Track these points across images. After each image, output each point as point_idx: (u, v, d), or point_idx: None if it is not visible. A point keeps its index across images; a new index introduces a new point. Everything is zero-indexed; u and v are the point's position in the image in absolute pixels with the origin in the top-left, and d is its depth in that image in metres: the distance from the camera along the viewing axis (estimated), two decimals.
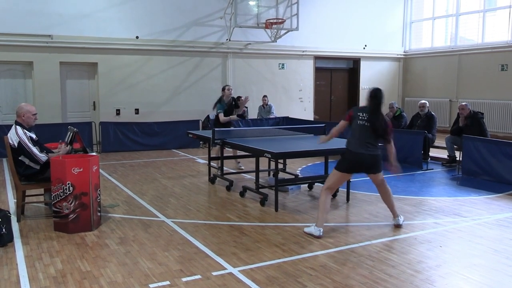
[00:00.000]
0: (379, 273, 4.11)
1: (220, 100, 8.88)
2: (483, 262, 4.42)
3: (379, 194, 5.54)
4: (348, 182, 6.63)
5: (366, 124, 5.15)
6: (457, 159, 9.04)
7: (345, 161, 5.25)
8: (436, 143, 10.08)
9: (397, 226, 5.46)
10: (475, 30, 14.69)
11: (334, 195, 6.91)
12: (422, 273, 4.14)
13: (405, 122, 10.46)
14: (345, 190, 6.72)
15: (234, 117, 8.99)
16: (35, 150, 5.52)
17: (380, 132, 5.16)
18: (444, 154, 9.83)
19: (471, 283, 3.96)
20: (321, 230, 5.08)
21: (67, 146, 5.85)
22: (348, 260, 4.43)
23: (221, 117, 8.73)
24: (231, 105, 8.89)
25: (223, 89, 8.99)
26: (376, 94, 5.22)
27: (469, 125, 9.01)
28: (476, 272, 4.16)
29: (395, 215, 5.52)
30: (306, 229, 5.21)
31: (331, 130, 5.47)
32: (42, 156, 5.55)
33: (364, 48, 16.04)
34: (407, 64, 16.88)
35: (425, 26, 16.61)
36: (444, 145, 9.66)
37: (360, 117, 5.19)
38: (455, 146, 9.31)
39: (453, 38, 15.38)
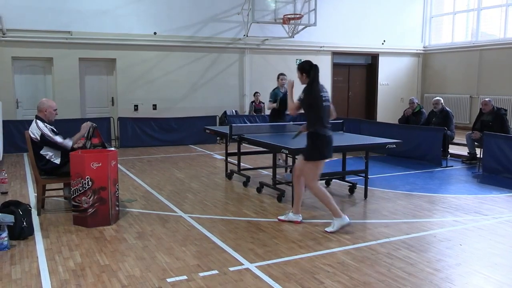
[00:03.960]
0: (397, 271, 4.06)
1: (274, 89, 8.97)
2: (504, 261, 4.33)
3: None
4: (366, 178, 6.57)
5: (328, 103, 5.00)
6: (478, 156, 8.90)
7: (320, 147, 4.97)
8: (456, 140, 9.93)
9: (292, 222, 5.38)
10: (497, 25, 14.39)
11: (352, 191, 6.86)
12: (442, 272, 4.08)
13: (424, 119, 10.33)
14: (363, 187, 6.65)
15: (272, 105, 8.86)
16: (59, 139, 5.59)
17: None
18: (464, 151, 9.68)
19: (492, 282, 3.89)
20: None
21: (86, 139, 5.89)
22: (366, 257, 4.39)
23: (268, 104, 9.27)
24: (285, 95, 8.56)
25: (277, 78, 9.02)
26: (314, 65, 5.07)
27: (491, 121, 8.86)
28: (497, 272, 4.08)
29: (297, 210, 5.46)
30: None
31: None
32: (67, 141, 5.61)
33: (382, 43, 15.85)
34: (427, 59, 16.63)
35: (445, 21, 16.32)
36: (464, 142, 9.51)
37: (324, 98, 4.98)
38: (475, 143, 9.15)
39: (474, 33, 15.09)
